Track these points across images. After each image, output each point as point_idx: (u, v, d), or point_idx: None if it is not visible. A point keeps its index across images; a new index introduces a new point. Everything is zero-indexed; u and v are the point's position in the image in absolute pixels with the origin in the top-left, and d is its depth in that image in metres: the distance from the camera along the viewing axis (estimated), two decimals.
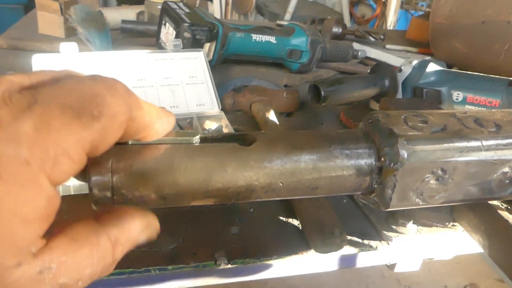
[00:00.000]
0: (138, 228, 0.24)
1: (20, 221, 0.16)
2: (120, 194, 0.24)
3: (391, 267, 0.56)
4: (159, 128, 0.24)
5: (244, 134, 0.28)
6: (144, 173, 0.24)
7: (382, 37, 1.26)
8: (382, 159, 0.28)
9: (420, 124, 0.30)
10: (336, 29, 1.24)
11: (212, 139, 0.27)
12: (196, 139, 0.26)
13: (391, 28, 2.76)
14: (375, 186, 0.29)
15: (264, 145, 0.27)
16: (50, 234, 0.19)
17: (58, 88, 0.19)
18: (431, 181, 0.29)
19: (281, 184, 0.27)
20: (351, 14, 2.93)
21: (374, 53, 1.11)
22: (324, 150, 0.28)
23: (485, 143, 0.29)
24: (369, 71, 0.67)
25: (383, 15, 2.89)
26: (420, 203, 0.30)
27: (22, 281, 0.16)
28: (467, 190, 0.31)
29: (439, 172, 0.29)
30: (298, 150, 0.27)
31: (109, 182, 0.24)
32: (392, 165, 0.28)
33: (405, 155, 0.27)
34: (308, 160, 0.27)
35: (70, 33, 0.99)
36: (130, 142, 0.25)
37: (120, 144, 0.25)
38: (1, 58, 0.84)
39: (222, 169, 0.25)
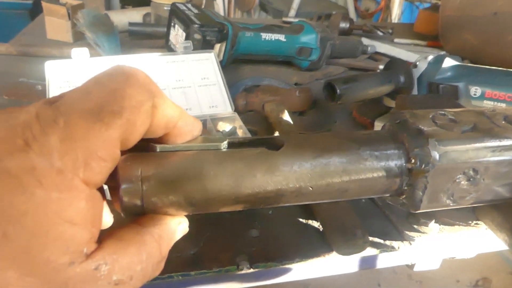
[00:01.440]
0: (174, 225, 0.24)
1: (66, 223, 0.17)
2: (150, 202, 0.24)
3: (411, 266, 0.56)
4: (183, 126, 0.24)
5: (272, 138, 0.27)
6: (173, 180, 0.24)
7: (390, 31, 1.24)
8: (413, 160, 0.27)
9: (449, 123, 0.29)
10: (344, 25, 1.23)
11: (240, 144, 0.26)
12: (224, 144, 0.26)
13: (396, 21, 2.74)
14: (405, 188, 0.28)
15: (292, 149, 0.26)
16: (99, 240, 0.20)
17: (77, 94, 0.20)
18: (462, 182, 0.29)
19: (311, 189, 0.26)
20: (355, 8, 2.91)
21: (383, 48, 1.10)
22: (353, 152, 0.27)
23: None
24: (383, 67, 0.66)
25: (388, 8, 2.87)
26: (451, 204, 0.29)
27: (79, 278, 0.18)
28: (498, 190, 0.30)
29: (471, 172, 0.28)
30: (327, 153, 0.26)
31: (139, 190, 0.23)
32: (423, 166, 0.27)
33: (437, 156, 0.27)
34: (338, 163, 0.26)
35: (78, 38, 0.99)
36: (158, 149, 0.25)
37: (149, 152, 0.24)
38: (12, 65, 0.84)
39: (251, 174, 0.25)
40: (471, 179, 0.28)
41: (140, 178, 0.23)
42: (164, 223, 0.24)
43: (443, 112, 0.30)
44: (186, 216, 0.26)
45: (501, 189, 0.30)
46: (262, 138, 0.27)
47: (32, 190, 0.16)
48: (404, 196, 0.29)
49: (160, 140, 0.25)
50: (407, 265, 0.54)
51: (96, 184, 0.19)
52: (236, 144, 0.26)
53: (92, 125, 0.18)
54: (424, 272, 1.89)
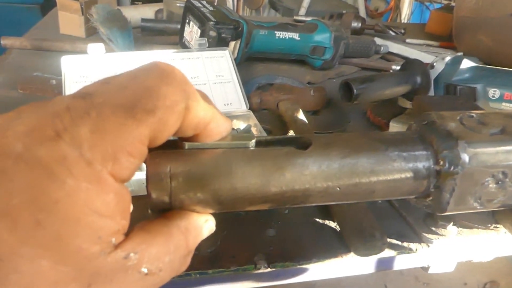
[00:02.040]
0: (201, 221, 0.24)
1: (95, 213, 0.17)
2: (178, 199, 0.24)
3: (426, 269, 0.55)
4: (213, 128, 0.24)
5: (299, 137, 0.27)
6: (202, 178, 0.24)
7: (403, 31, 1.23)
8: (441, 162, 0.27)
9: (477, 126, 0.29)
10: (355, 24, 1.22)
11: (267, 143, 0.26)
12: (252, 143, 0.25)
13: (406, 21, 2.73)
14: (432, 190, 0.28)
15: (320, 148, 0.26)
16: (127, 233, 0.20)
17: (111, 88, 0.20)
18: (491, 185, 0.28)
19: (338, 189, 0.26)
20: (365, 8, 2.89)
21: (396, 48, 1.09)
22: (381, 153, 0.27)
23: None
24: (399, 68, 0.66)
25: (397, 8, 2.85)
26: (478, 207, 0.29)
27: (110, 267, 0.18)
28: None
29: (500, 175, 0.28)
30: (355, 153, 0.26)
31: (168, 187, 0.23)
32: (452, 168, 0.27)
33: (466, 159, 0.26)
34: (366, 164, 0.26)
35: (91, 33, 0.99)
36: (186, 146, 0.24)
37: (177, 149, 0.24)
38: (26, 59, 0.84)
39: (280, 173, 0.25)
40: (499, 183, 0.28)
41: (169, 175, 0.23)
42: (190, 218, 0.24)
43: (471, 114, 0.30)
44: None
45: None
46: (289, 137, 0.27)
47: (63, 179, 0.17)
48: (431, 198, 0.28)
49: (189, 139, 0.25)
50: (422, 267, 0.54)
51: (123, 179, 0.19)
52: (263, 143, 0.26)
53: (124, 120, 0.18)
54: (431, 274, 1.88)
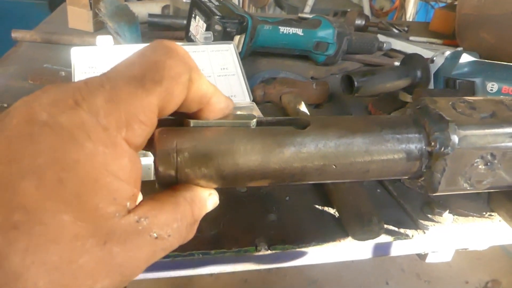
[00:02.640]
0: (205, 194, 0.26)
1: (111, 175, 0.19)
2: (184, 173, 0.25)
3: (423, 257, 0.57)
4: (216, 103, 0.25)
5: (298, 119, 0.28)
6: (206, 154, 0.25)
7: (406, 29, 1.25)
8: (433, 143, 0.29)
9: (468, 110, 0.30)
10: (359, 21, 1.23)
11: (268, 123, 0.28)
12: (253, 122, 0.27)
13: (411, 20, 2.73)
14: (424, 170, 0.29)
15: (318, 128, 0.27)
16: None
17: (122, 64, 0.22)
18: (480, 166, 0.30)
19: (334, 167, 0.27)
20: (369, 7, 2.90)
21: (399, 45, 1.10)
22: (376, 134, 0.28)
23: None
24: (400, 62, 0.67)
25: (402, 7, 2.85)
26: (468, 188, 0.31)
27: (124, 228, 0.19)
28: None
29: (489, 157, 0.29)
30: (351, 133, 0.28)
31: (174, 161, 0.25)
32: (442, 149, 0.28)
33: (456, 140, 0.28)
34: (361, 144, 0.28)
35: (99, 27, 1.01)
36: (192, 124, 0.26)
37: (183, 126, 0.26)
38: (36, 51, 0.86)
39: (279, 151, 0.26)
40: (488, 164, 0.29)
41: (175, 150, 0.25)
42: (195, 190, 0.25)
43: (462, 100, 0.31)
44: (216, 189, 0.28)
45: None
46: (289, 118, 0.29)
47: (82, 142, 0.18)
48: (423, 178, 0.30)
49: (194, 115, 0.26)
50: (419, 256, 0.55)
51: (136, 145, 0.21)
52: (264, 123, 0.28)
53: (134, 90, 0.20)
54: (432, 271, 1.88)
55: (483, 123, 0.29)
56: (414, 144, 0.29)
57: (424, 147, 0.29)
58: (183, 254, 0.41)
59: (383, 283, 1.73)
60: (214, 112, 0.26)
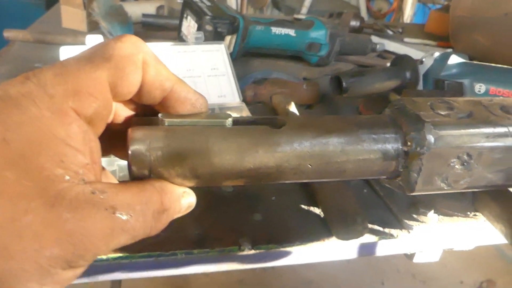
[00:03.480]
0: (178, 189, 0.25)
1: (58, 139, 0.20)
2: (157, 172, 0.25)
3: (410, 257, 0.57)
4: (181, 91, 0.26)
5: (274, 118, 0.28)
6: (180, 153, 0.25)
7: (400, 30, 1.25)
8: (409, 143, 0.29)
9: (446, 111, 0.30)
10: (354, 23, 1.24)
11: (244, 122, 0.28)
12: (229, 121, 0.27)
13: (408, 22, 2.73)
14: (401, 170, 0.30)
15: (294, 128, 0.28)
16: None
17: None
18: (456, 166, 0.30)
19: (310, 166, 0.28)
20: (367, 8, 2.90)
21: (393, 46, 1.10)
22: (352, 134, 0.28)
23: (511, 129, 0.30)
24: (390, 63, 0.67)
25: (400, 9, 2.86)
26: (445, 188, 0.31)
27: (76, 195, 0.19)
28: (491, 176, 0.31)
29: (465, 157, 0.29)
30: (327, 133, 0.28)
31: (148, 160, 0.25)
32: (418, 149, 0.28)
33: (432, 140, 0.28)
34: (337, 143, 0.28)
35: (93, 27, 1.01)
36: (166, 123, 0.26)
37: (157, 125, 0.26)
38: (28, 51, 0.86)
39: (254, 150, 0.26)
40: (465, 164, 0.30)
41: (149, 149, 0.25)
42: (167, 183, 0.25)
43: (441, 100, 0.31)
44: (193, 190, 0.28)
45: (494, 176, 0.31)
46: (266, 117, 0.29)
47: (27, 106, 0.19)
48: (400, 178, 0.30)
49: (164, 109, 0.26)
50: (406, 255, 0.55)
51: (86, 116, 0.21)
52: (240, 122, 0.28)
53: (83, 66, 0.21)
54: (427, 272, 1.88)
55: (459, 123, 0.29)
56: (391, 144, 0.29)
57: (400, 147, 0.29)
58: (166, 254, 0.41)
59: (378, 283, 1.73)
60: (180, 101, 0.26)
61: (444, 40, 1.24)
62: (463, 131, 0.29)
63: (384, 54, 1.08)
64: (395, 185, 0.31)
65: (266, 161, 0.27)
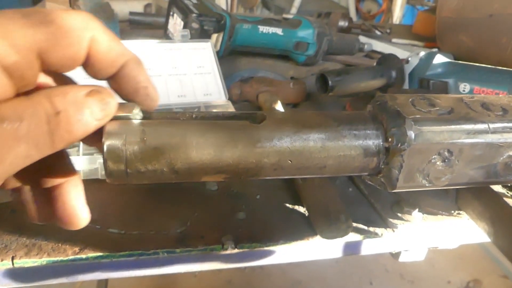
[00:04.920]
0: (79, 91, 0.22)
1: None
2: (134, 167, 0.25)
3: (396, 256, 0.57)
4: (131, 69, 0.25)
5: (255, 113, 0.28)
6: (157, 147, 0.25)
7: (388, 31, 1.25)
8: (390, 139, 0.28)
9: (427, 107, 0.30)
10: (342, 23, 1.24)
11: (224, 117, 0.28)
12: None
13: (397, 23, 2.75)
14: (382, 166, 0.29)
15: (274, 123, 0.27)
16: None
17: None
18: (438, 163, 0.30)
19: (289, 162, 0.27)
20: (357, 10, 2.92)
21: (380, 46, 1.11)
22: (333, 129, 0.28)
23: (491, 126, 0.30)
24: (376, 62, 0.68)
25: (389, 10, 2.88)
26: (426, 185, 0.31)
27: None
28: (472, 172, 0.31)
29: (446, 153, 0.29)
30: (307, 128, 0.28)
31: (124, 155, 0.24)
32: (399, 145, 0.28)
33: (412, 136, 0.28)
34: (317, 139, 0.27)
35: None
36: (138, 120, 0.25)
37: (132, 120, 0.25)
38: None
39: (233, 145, 0.26)
40: (446, 160, 0.30)
41: (125, 143, 0.24)
42: (63, 86, 0.23)
43: (422, 97, 0.31)
44: (169, 193, 0.27)
45: (475, 173, 0.31)
46: (246, 112, 0.28)
47: None
48: (382, 175, 0.30)
49: (116, 86, 0.26)
50: (391, 254, 0.55)
51: (2, 64, 0.20)
52: (220, 117, 0.28)
53: (18, 19, 0.20)
54: (415, 272, 1.89)
55: (440, 120, 0.29)
56: (372, 140, 0.29)
57: (381, 143, 0.29)
58: (147, 253, 0.40)
59: (367, 283, 1.73)
60: (133, 81, 0.25)
61: (431, 41, 1.25)
62: (444, 127, 0.29)
63: (372, 54, 1.09)
64: (377, 182, 0.31)
65: (245, 156, 0.26)
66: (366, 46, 1.02)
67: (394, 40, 1.25)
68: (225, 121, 0.27)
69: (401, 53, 1.07)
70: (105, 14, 0.86)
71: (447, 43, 1.07)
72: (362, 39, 1.09)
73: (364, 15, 2.99)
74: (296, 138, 0.27)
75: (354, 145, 0.28)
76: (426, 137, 0.28)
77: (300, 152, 0.27)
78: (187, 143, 0.25)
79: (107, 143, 0.24)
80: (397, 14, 2.84)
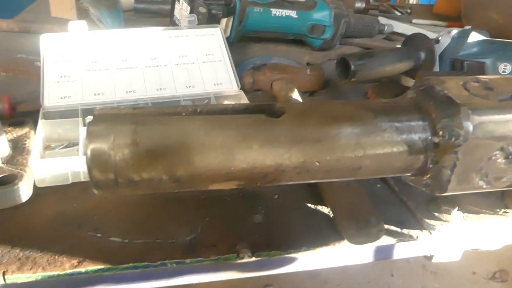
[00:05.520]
0: None
1: None
2: (125, 176, 0.20)
3: (429, 257, 0.51)
4: None
5: (271, 105, 0.23)
6: (152, 150, 0.20)
7: (409, 11, 1.18)
8: (440, 133, 0.23)
9: (484, 91, 0.24)
10: (359, 4, 1.17)
11: (234, 111, 0.22)
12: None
13: (414, 3, 2.64)
14: (430, 166, 0.24)
15: (295, 116, 0.22)
16: None
17: None
18: (499, 160, 0.24)
19: (317, 164, 0.22)
20: None
21: (401, 27, 1.04)
22: (369, 122, 0.23)
23: None
24: (401, 43, 0.61)
25: None
26: (484, 187, 0.25)
27: None
28: None
29: (510, 148, 0.24)
30: (336, 122, 0.22)
31: (112, 161, 0.19)
32: (452, 140, 0.23)
33: (470, 128, 0.22)
34: (350, 134, 0.22)
35: (83, 15, 0.95)
36: (128, 110, 0.21)
37: (120, 115, 0.21)
38: (12, 41, 0.81)
39: (246, 145, 0.21)
40: (510, 157, 0.24)
41: (113, 147, 0.20)
42: None
43: (476, 79, 0.26)
44: (176, 195, 0.23)
45: None
46: (261, 104, 0.23)
47: None
48: (429, 175, 0.25)
49: None
50: (425, 256, 0.50)
51: None
52: (229, 111, 0.22)
53: None
54: (438, 262, 1.83)
55: (503, 107, 0.23)
56: (417, 134, 0.23)
57: (429, 137, 0.23)
58: (154, 265, 0.36)
59: (388, 274, 1.68)
60: None
61: (454, 20, 1.18)
62: (508, 116, 0.23)
63: (392, 36, 1.02)
64: (421, 183, 0.26)
65: (262, 158, 0.21)
66: (386, 28, 0.95)
67: (414, 20, 1.18)
68: (235, 115, 0.22)
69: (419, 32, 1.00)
70: (107, 2, 0.82)
71: (475, 21, 1.00)
72: (382, 20, 1.02)
73: None
74: (324, 134, 0.22)
75: (396, 140, 0.23)
76: (487, 129, 0.23)
77: (330, 151, 0.22)
78: (189, 144, 0.20)
79: (91, 147, 0.19)
80: None
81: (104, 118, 0.20)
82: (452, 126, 0.23)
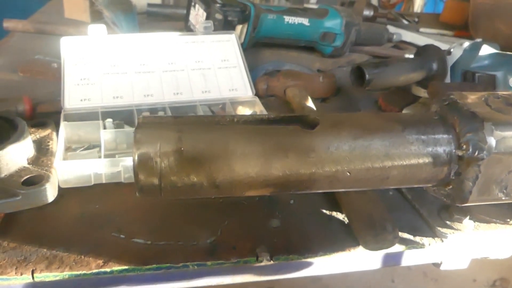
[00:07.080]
0: None
1: None
2: (169, 181, 0.21)
3: (438, 265, 0.52)
4: None
5: (305, 116, 0.24)
6: (196, 157, 0.21)
7: (416, 20, 1.19)
8: (464, 146, 0.24)
9: (505, 107, 0.26)
10: (368, 12, 1.19)
11: (270, 121, 0.24)
12: None
13: (419, 12, 2.66)
14: (453, 177, 0.25)
15: (329, 128, 0.23)
16: None
17: None
18: None
19: (348, 174, 0.23)
20: None
21: (410, 36, 1.05)
22: (397, 134, 0.24)
23: None
24: (414, 53, 0.63)
25: None
26: (503, 198, 0.26)
27: None
28: None
29: None
30: (368, 134, 0.24)
31: (158, 167, 0.21)
32: (476, 153, 0.24)
33: (493, 143, 0.24)
34: (380, 146, 0.23)
35: (96, 17, 0.97)
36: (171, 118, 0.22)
37: (163, 124, 0.22)
38: (29, 42, 0.82)
39: (283, 154, 0.22)
40: None
41: (159, 154, 0.21)
42: None
43: (497, 95, 0.27)
44: (197, 200, 0.24)
45: None
46: (295, 115, 0.24)
47: None
48: (451, 186, 0.26)
49: None
50: (433, 264, 0.51)
51: None
52: (265, 121, 0.24)
53: None
54: (439, 270, 1.83)
55: None
56: (442, 147, 0.25)
57: (454, 150, 0.25)
58: (176, 266, 0.37)
59: (389, 280, 1.69)
60: None
61: (461, 29, 1.19)
62: None
63: (400, 44, 1.03)
64: (443, 193, 0.27)
65: (297, 167, 0.22)
66: (395, 36, 0.96)
67: (421, 29, 1.19)
68: (272, 126, 0.23)
69: (432, 43, 1.01)
70: (122, 6, 0.83)
71: (482, 31, 1.01)
72: (390, 28, 1.03)
73: (383, 3, 2.89)
74: (356, 146, 0.23)
75: (422, 153, 0.24)
76: (509, 144, 0.24)
77: (361, 161, 0.23)
78: (231, 153, 0.22)
79: (138, 153, 0.21)
80: (419, 2, 2.75)
81: (149, 126, 0.22)
82: (476, 140, 0.24)
